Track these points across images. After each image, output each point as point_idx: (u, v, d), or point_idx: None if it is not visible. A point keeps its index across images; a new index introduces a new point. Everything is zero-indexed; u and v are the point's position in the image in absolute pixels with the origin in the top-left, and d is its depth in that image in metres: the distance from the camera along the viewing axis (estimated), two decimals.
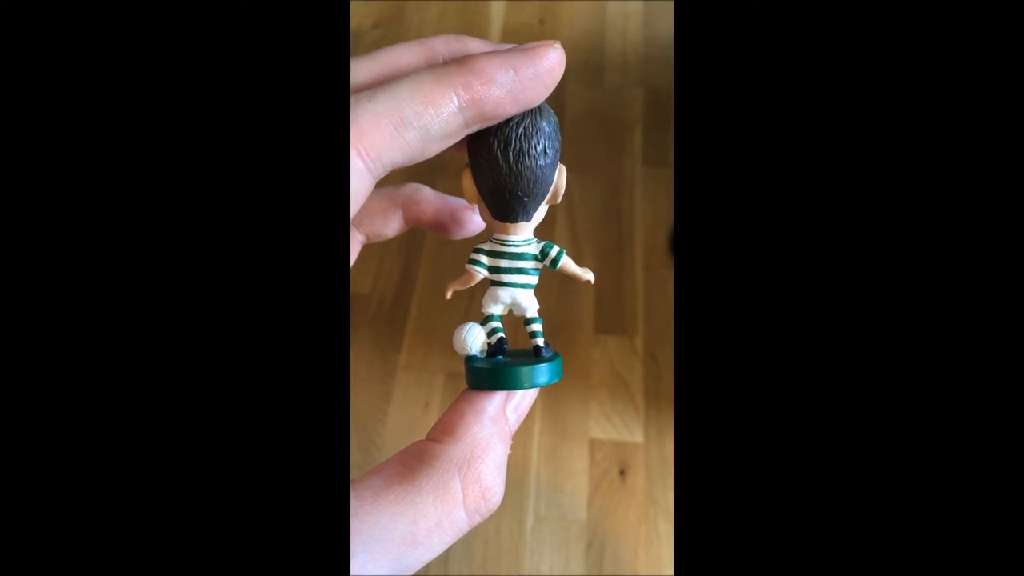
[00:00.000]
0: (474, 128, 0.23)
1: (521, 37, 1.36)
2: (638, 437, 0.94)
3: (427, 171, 1.11)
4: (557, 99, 1.23)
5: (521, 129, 0.24)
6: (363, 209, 0.28)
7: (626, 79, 1.27)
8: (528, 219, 0.25)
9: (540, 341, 0.27)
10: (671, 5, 1.35)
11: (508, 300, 0.26)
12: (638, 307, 1.04)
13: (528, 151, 0.24)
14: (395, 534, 0.21)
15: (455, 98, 0.21)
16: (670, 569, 0.86)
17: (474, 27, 1.38)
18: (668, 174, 1.15)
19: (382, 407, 0.99)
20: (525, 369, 0.25)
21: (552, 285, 1.06)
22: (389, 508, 0.21)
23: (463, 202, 0.28)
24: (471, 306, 1.06)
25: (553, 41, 0.22)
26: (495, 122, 0.23)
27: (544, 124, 0.24)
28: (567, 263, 0.26)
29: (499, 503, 0.24)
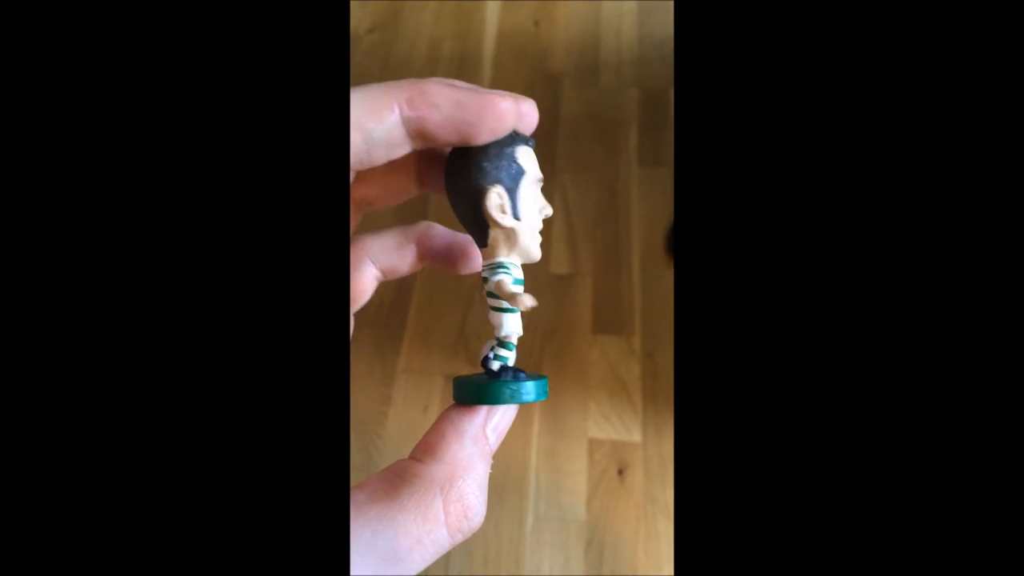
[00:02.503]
0: (418, 145, 0.24)
1: (516, 39, 1.36)
2: (636, 436, 0.94)
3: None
4: (554, 100, 1.23)
5: (455, 156, 0.25)
6: (378, 246, 0.29)
7: (621, 79, 1.27)
8: (484, 244, 0.26)
9: (494, 365, 0.27)
10: (666, 5, 1.35)
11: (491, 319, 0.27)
12: (635, 307, 1.04)
13: (454, 181, 0.25)
14: (375, 549, 0.21)
15: (397, 110, 0.23)
16: (670, 567, 0.86)
17: (469, 30, 1.39)
18: (664, 174, 1.15)
19: (382, 409, 0.99)
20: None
21: (550, 286, 1.06)
22: (370, 524, 0.22)
23: (470, 238, 0.29)
24: (469, 311, 1.06)
25: (513, 94, 0.24)
26: (439, 145, 0.24)
27: (476, 151, 0.25)
28: (499, 284, 0.26)
29: (481, 522, 0.24)
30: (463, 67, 1.33)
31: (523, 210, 0.25)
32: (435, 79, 0.24)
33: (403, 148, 0.23)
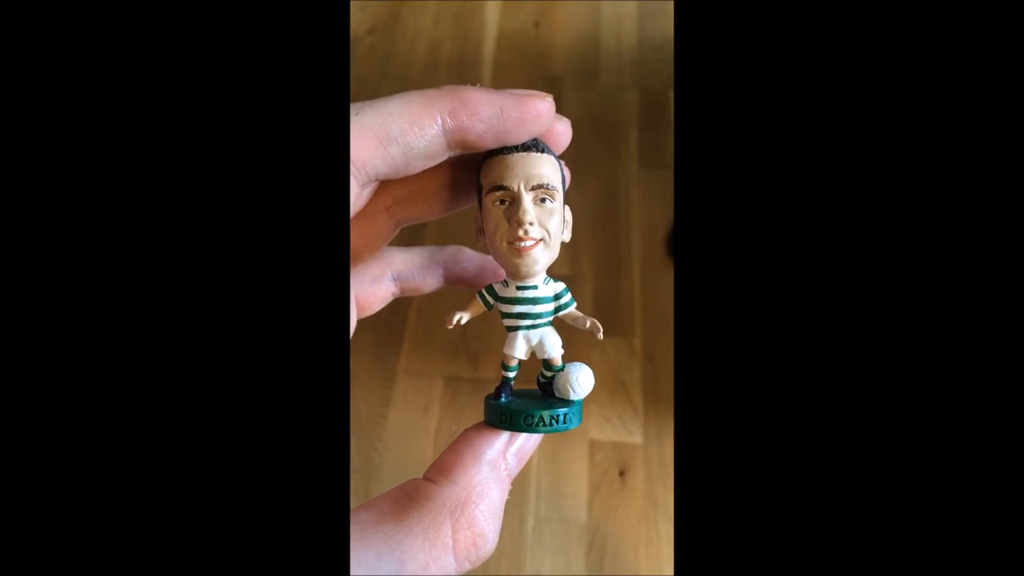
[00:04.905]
0: (456, 153, 0.23)
1: (516, 41, 1.36)
2: (637, 438, 0.94)
3: None
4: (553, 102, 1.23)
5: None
6: (402, 263, 0.29)
7: (621, 81, 1.27)
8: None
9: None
10: (665, 7, 1.35)
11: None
12: (636, 309, 1.04)
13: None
14: (379, 573, 0.21)
15: (440, 121, 0.22)
16: (671, 569, 0.86)
17: (469, 32, 1.39)
18: (664, 175, 1.15)
19: (382, 411, 0.99)
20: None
21: None
22: (376, 546, 0.21)
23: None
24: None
25: (547, 94, 0.24)
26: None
27: None
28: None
29: (492, 551, 0.23)
30: (463, 69, 1.33)
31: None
32: (470, 86, 0.23)
33: (440, 157, 0.23)
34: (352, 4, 1.43)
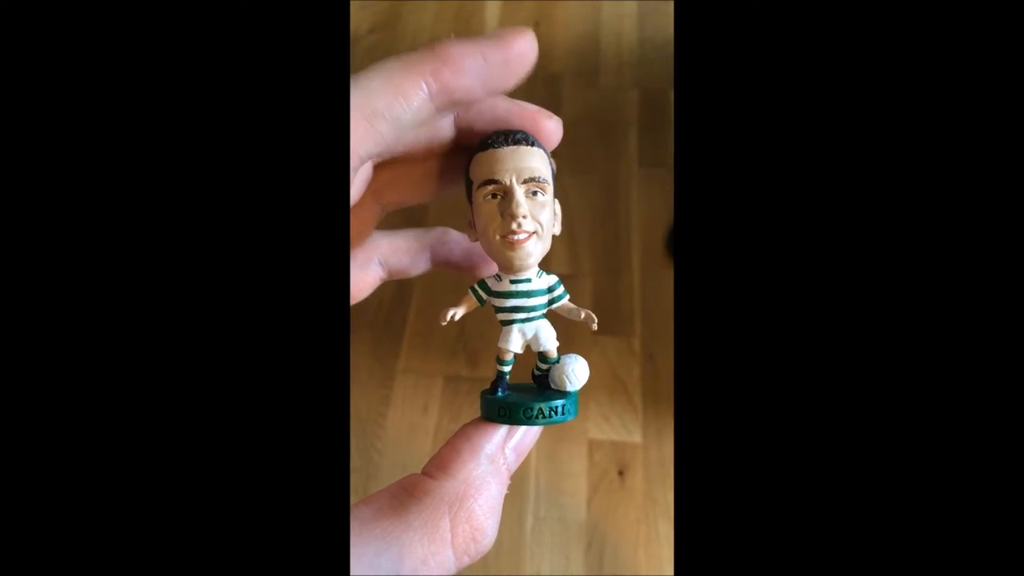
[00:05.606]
0: (447, 113, 0.23)
1: None
2: (636, 437, 0.94)
3: None
4: (554, 100, 1.23)
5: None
6: (388, 247, 0.29)
7: (622, 81, 1.27)
8: None
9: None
10: (666, 6, 1.35)
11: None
12: (635, 308, 1.04)
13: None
14: (379, 569, 0.21)
15: (425, 86, 0.22)
16: (670, 569, 0.86)
17: (469, 31, 1.39)
18: (664, 175, 1.15)
19: (381, 410, 0.99)
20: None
21: None
22: (375, 542, 0.21)
23: None
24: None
25: (525, 28, 0.23)
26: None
27: None
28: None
29: (490, 545, 0.23)
30: None
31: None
32: (447, 40, 0.23)
33: (431, 123, 0.23)
34: (352, 3, 1.43)
